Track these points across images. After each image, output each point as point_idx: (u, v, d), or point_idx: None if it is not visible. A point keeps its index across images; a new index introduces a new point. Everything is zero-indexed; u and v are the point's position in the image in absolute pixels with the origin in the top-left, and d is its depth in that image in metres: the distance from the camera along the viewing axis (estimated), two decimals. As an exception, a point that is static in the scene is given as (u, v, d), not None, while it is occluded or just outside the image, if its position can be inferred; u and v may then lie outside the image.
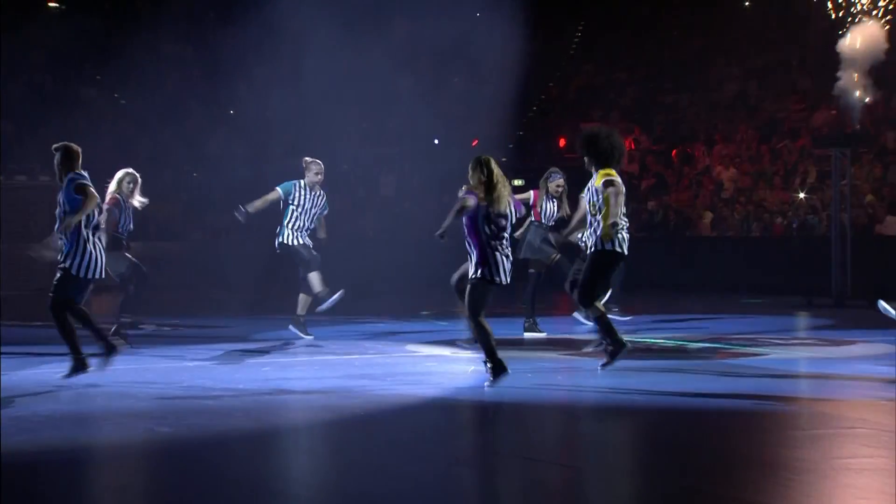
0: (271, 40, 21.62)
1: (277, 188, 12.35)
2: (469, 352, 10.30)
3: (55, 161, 8.86)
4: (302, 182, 12.39)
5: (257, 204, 12.24)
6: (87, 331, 8.72)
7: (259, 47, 22.11)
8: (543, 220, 12.54)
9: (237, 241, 21.92)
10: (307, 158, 12.52)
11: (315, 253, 12.30)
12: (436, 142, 24.06)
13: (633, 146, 23.94)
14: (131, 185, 11.65)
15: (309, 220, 12.35)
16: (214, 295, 18.50)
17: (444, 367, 10.08)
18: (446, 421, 7.70)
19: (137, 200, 11.73)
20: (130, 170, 11.77)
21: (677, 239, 20.92)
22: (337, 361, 10.73)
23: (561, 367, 10.29)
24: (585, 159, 9.35)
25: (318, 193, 12.45)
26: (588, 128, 9.72)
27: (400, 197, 23.58)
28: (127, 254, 11.57)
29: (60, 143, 8.94)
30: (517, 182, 23.04)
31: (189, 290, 19.38)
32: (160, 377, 9.12)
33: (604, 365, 9.19)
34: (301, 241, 12.29)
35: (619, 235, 9.21)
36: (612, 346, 9.13)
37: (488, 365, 8.41)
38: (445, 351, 11.37)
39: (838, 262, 16.54)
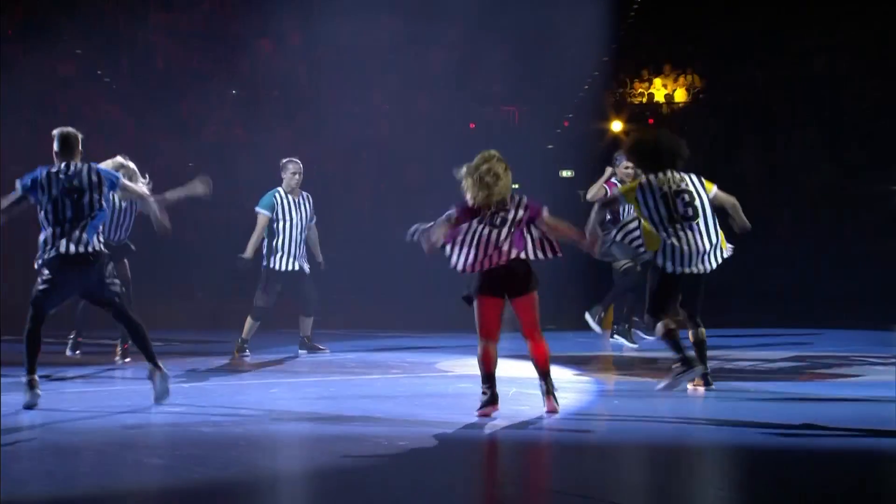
0: (280, 6, 21.67)
1: (259, 210, 12.59)
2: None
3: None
4: (281, 190, 12.58)
5: (252, 241, 12.50)
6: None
7: (265, 15, 22.16)
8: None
9: (239, 243, 21.99)
10: (284, 160, 12.75)
11: (271, 303, 12.44)
12: (472, 126, 24.03)
13: (700, 130, 23.83)
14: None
15: (300, 232, 12.53)
16: (213, 304, 18.55)
17: (478, 389, 10.05)
18: (483, 453, 7.67)
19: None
20: (125, 161, 11.68)
21: (751, 240, 20.77)
22: (357, 382, 10.73)
23: (617, 391, 10.25)
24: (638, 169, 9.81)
25: (301, 199, 12.57)
26: (632, 135, 9.98)
27: (429, 191, 23.56)
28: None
29: (58, 130, 9.08)
30: (566, 173, 23.00)
31: (183, 299, 19.43)
32: (150, 400, 9.13)
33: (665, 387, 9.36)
34: (280, 266, 12.44)
35: None
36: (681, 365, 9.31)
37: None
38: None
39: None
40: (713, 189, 9.65)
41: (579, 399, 9.48)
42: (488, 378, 8.53)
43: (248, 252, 12.55)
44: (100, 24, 22.97)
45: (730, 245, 9.67)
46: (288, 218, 12.54)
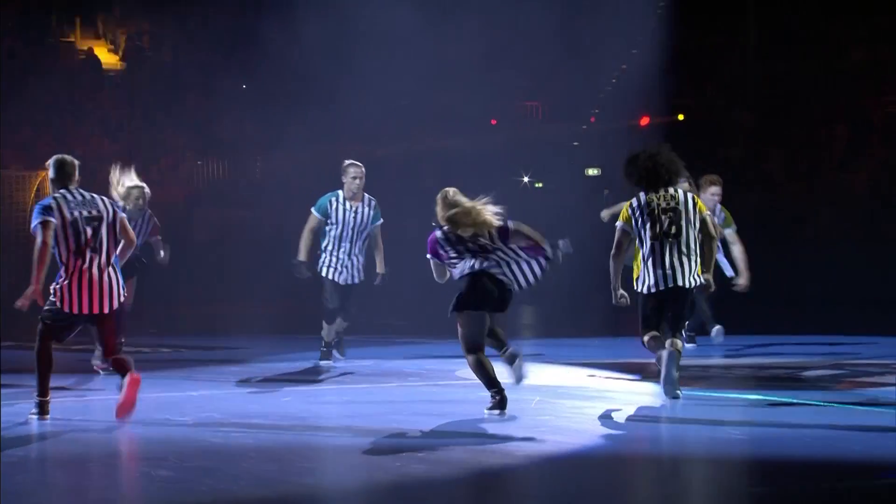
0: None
1: (312, 210, 12.35)
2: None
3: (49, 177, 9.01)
4: (340, 194, 12.34)
5: (303, 244, 12.30)
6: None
7: (278, 6, 22.19)
8: None
9: (251, 243, 22.03)
10: (346, 161, 12.47)
11: (337, 303, 12.29)
12: (493, 122, 24.04)
13: (732, 127, 23.77)
14: (140, 202, 11.64)
15: (353, 241, 12.29)
16: (224, 309, 18.60)
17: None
18: (504, 465, 7.66)
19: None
20: (137, 181, 11.70)
21: (788, 241, 20.75)
22: (373, 390, 10.75)
23: (645, 397, 10.25)
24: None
25: (361, 205, 12.35)
26: (630, 154, 10.23)
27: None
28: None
29: (54, 157, 9.04)
30: (592, 171, 22.99)
31: (192, 304, 19.49)
32: (158, 409, 9.17)
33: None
34: (334, 277, 12.28)
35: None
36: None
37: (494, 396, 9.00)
38: (506, 378, 11.34)
39: None
40: (705, 213, 9.98)
41: (606, 409, 9.47)
42: (492, 383, 8.98)
43: (302, 254, 12.26)
44: (103, 16, 23.05)
45: (704, 276, 9.95)
46: (341, 224, 12.26)
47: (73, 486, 6.97)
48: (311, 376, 11.72)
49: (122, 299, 8.94)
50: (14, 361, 11.59)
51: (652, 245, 9.77)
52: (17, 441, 8.04)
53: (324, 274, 12.37)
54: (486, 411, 8.92)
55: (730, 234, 13.16)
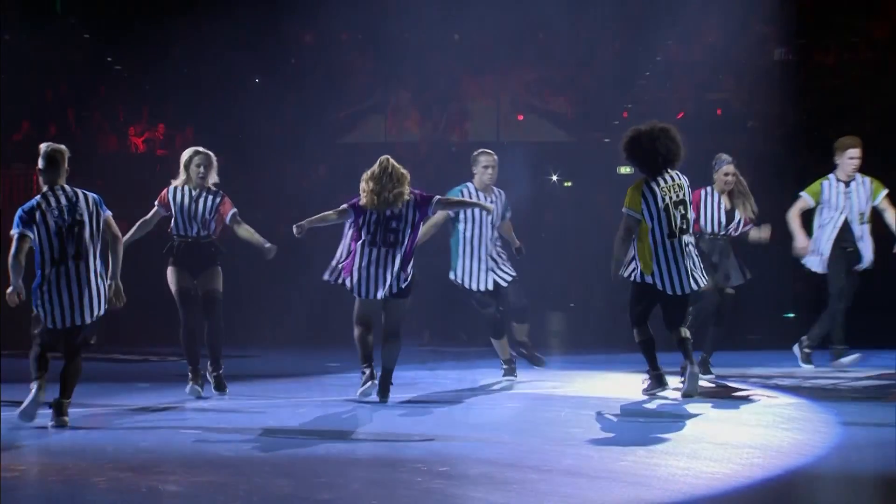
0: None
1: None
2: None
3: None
4: (470, 186, 11.73)
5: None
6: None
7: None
8: (709, 230, 11.53)
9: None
10: (476, 151, 11.97)
11: (496, 312, 11.71)
12: (520, 118, 24.02)
13: (776, 123, 23.70)
14: (201, 170, 11.08)
15: (492, 239, 11.65)
16: (238, 316, 18.61)
17: (527, 410, 10.07)
18: (527, 480, 7.67)
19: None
20: (201, 148, 11.25)
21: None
22: (393, 400, 10.74)
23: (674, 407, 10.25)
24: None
25: (493, 197, 11.75)
26: (632, 129, 10.45)
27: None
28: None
29: (44, 146, 9.16)
30: (624, 170, 22.92)
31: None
32: (167, 421, 9.21)
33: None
34: (480, 285, 11.61)
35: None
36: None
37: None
38: (534, 388, 11.35)
39: None
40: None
41: (634, 420, 9.47)
42: (367, 358, 10.28)
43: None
44: (108, 5, 23.11)
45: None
46: (476, 221, 11.56)
47: (77, 501, 6.99)
48: (327, 387, 11.74)
49: (102, 310, 9.02)
50: (13, 370, 11.65)
51: (665, 244, 9.93)
52: (17, 453, 8.08)
53: (465, 286, 11.66)
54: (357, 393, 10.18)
55: (881, 202, 12.30)
